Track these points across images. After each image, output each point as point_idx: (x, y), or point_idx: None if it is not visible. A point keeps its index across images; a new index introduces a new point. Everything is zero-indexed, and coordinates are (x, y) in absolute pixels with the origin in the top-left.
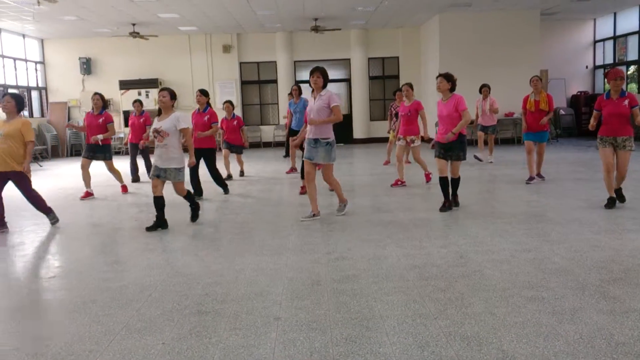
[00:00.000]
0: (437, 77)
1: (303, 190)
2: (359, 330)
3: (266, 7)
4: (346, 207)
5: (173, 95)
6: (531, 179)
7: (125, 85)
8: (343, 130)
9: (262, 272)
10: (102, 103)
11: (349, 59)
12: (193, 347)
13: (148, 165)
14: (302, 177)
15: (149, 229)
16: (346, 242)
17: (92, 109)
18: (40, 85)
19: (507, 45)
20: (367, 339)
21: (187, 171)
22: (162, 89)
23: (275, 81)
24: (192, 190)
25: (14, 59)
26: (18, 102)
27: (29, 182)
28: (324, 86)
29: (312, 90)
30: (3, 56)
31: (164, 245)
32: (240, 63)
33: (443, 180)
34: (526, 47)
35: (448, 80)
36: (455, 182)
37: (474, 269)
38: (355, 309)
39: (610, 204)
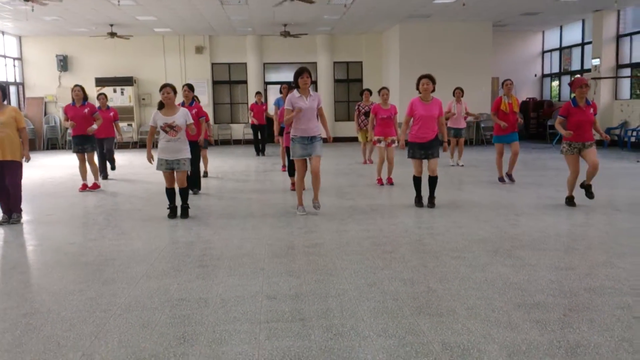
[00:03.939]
0: (421, 78)
1: (294, 187)
2: (324, 276)
3: (239, 13)
4: (319, 207)
5: (175, 91)
6: (502, 179)
7: (101, 82)
8: None
9: (247, 241)
10: (82, 94)
11: (315, 63)
12: (201, 285)
13: (109, 158)
14: (291, 174)
15: (171, 216)
16: (314, 220)
17: (73, 101)
18: (17, 80)
19: (462, 53)
20: (330, 281)
21: None
22: (164, 86)
23: (245, 82)
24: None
25: None
26: (3, 91)
27: (21, 174)
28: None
29: (296, 89)
30: None
31: (159, 223)
32: (212, 64)
33: (419, 180)
34: (479, 56)
35: (433, 82)
36: (433, 181)
37: (415, 239)
38: (321, 263)
39: (571, 202)
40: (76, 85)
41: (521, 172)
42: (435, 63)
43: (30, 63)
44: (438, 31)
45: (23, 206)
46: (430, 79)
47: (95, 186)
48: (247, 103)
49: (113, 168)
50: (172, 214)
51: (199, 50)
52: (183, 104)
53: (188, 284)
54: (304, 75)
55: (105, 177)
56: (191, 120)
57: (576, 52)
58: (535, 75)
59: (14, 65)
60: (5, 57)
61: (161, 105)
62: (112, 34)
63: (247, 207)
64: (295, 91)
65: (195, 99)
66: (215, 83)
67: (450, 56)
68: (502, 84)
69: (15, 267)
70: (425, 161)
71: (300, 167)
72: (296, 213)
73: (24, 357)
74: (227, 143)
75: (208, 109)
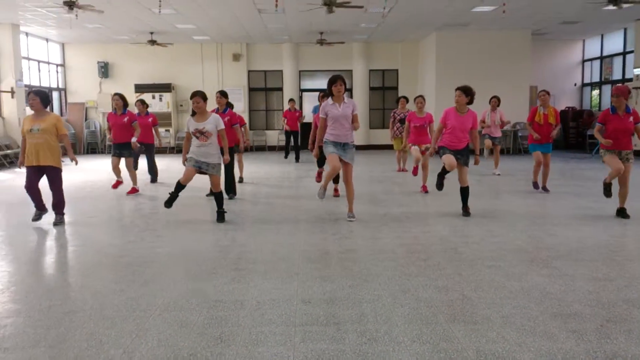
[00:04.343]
0: (455, 90)
1: (319, 178)
2: (358, 281)
3: (276, 21)
4: (354, 217)
5: (205, 99)
6: (536, 185)
7: (140, 88)
8: None
9: (281, 246)
10: (122, 103)
11: (351, 70)
12: (237, 288)
13: (151, 166)
14: (320, 165)
15: (167, 205)
16: (349, 227)
17: (114, 109)
18: (60, 86)
19: (500, 62)
20: (365, 287)
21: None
22: (194, 95)
23: (280, 89)
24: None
25: (38, 62)
26: (42, 98)
27: (61, 179)
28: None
29: (330, 97)
30: (29, 58)
31: (196, 226)
32: (249, 71)
33: (445, 172)
34: (517, 64)
35: (467, 94)
36: (465, 191)
37: (449, 247)
38: (356, 269)
39: (609, 190)
40: (115, 94)
41: (559, 182)
42: (472, 72)
43: (72, 69)
44: (475, 40)
45: (66, 208)
46: (464, 91)
47: (134, 190)
48: (283, 110)
49: (154, 180)
50: (169, 204)
51: (236, 57)
52: (217, 111)
53: (224, 287)
54: (338, 83)
55: (153, 180)
56: (222, 127)
57: (617, 61)
58: (575, 85)
59: (57, 72)
60: (49, 63)
61: (194, 112)
62: (152, 42)
63: (282, 213)
64: (329, 99)
65: (228, 106)
66: (251, 90)
67: (488, 65)
68: (538, 95)
69: (60, 267)
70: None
71: (333, 160)
72: (316, 196)
73: (68, 353)
74: (262, 149)
75: (244, 116)
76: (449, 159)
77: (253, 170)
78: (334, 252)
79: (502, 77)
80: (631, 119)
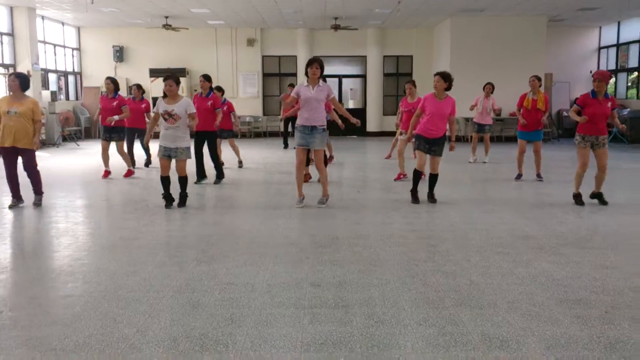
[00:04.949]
0: (434, 75)
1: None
2: (368, 266)
3: (292, 6)
4: (327, 202)
5: (178, 82)
6: (519, 176)
7: (154, 73)
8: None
9: (292, 230)
10: (113, 87)
11: (365, 56)
12: (248, 271)
13: (145, 149)
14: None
15: (167, 206)
16: (359, 212)
17: (106, 93)
18: (76, 70)
19: (515, 48)
20: (374, 271)
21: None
22: (166, 78)
23: (295, 74)
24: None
25: (54, 45)
26: (22, 81)
27: (35, 159)
28: (320, 77)
29: (306, 79)
30: (45, 42)
31: (206, 211)
32: (263, 56)
33: (418, 174)
34: (533, 51)
35: (445, 79)
36: (433, 178)
37: (459, 234)
38: (365, 254)
39: (579, 200)
40: (107, 78)
41: (571, 170)
42: (487, 58)
43: (87, 53)
44: (490, 26)
45: (82, 192)
46: (443, 76)
47: (130, 173)
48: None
49: (148, 163)
50: (168, 204)
51: (250, 42)
52: (200, 95)
53: (236, 269)
54: (314, 65)
55: (147, 164)
56: (192, 111)
57: (634, 48)
58: (591, 72)
59: (73, 55)
60: (64, 47)
61: (165, 94)
62: (167, 26)
63: (293, 198)
64: (304, 81)
65: (212, 90)
66: (265, 75)
67: (502, 51)
68: (529, 80)
69: (76, 248)
70: (428, 157)
71: (298, 155)
72: (295, 206)
73: (83, 331)
74: (275, 135)
75: (257, 101)
76: (420, 159)
77: (265, 156)
78: (344, 238)
79: (516, 63)
80: (609, 104)
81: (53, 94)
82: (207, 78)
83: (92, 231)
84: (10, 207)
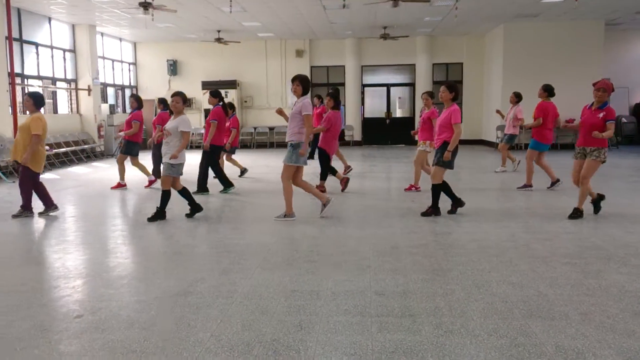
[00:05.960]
0: (441, 87)
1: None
2: (430, 275)
3: (341, 16)
4: (286, 217)
5: (185, 101)
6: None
7: (207, 85)
8: (407, 132)
9: (351, 238)
10: (136, 104)
11: (414, 65)
12: (311, 279)
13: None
14: (324, 177)
15: (150, 219)
16: (416, 221)
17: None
18: (132, 84)
19: (570, 54)
20: (437, 281)
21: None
22: (175, 95)
23: (343, 84)
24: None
25: (112, 60)
26: (36, 100)
27: (28, 175)
28: (304, 93)
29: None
30: (104, 57)
31: (265, 221)
32: (312, 67)
33: (441, 187)
34: (589, 56)
35: (451, 90)
36: (432, 189)
37: (521, 244)
38: (426, 264)
39: (578, 214)
40: (131, 95)
41: (634, 179)
42: (541, 64)
43: (143, 67)
44: (545, 31)
45: (141, 203)
46: (449, 87)
47: (119, 185)
48: (345, 105)
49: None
50: (192, 213)
51: (299, 53)
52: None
53: (299, 277)
54: (294, 83)
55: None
56: (184, 129)
57: None
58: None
59: (129, 70)
60: (122, 62)
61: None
62: (219, 39)
63: (349, 208)
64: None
65: (220, 105)
66: (313, 85)
67: (557, 57)
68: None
69: (145, 257)
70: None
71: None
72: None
73: (160, 334)
74: None
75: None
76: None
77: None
78: (404, 247)
79: (572, 69)
80: (601, 115)
81: (111, 107)
82: (213, 94)
83: (158, 240)
84: (40, 214)
